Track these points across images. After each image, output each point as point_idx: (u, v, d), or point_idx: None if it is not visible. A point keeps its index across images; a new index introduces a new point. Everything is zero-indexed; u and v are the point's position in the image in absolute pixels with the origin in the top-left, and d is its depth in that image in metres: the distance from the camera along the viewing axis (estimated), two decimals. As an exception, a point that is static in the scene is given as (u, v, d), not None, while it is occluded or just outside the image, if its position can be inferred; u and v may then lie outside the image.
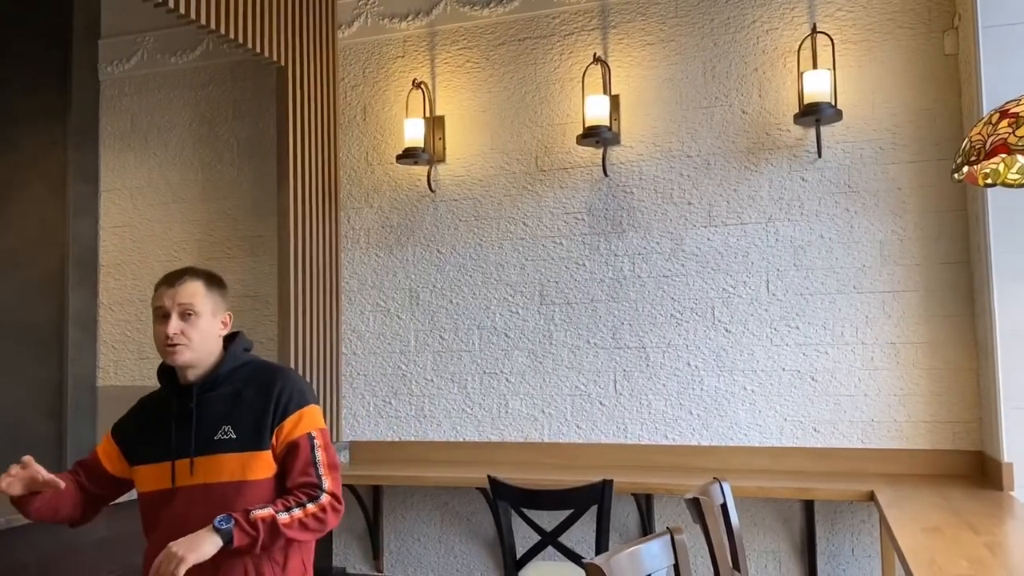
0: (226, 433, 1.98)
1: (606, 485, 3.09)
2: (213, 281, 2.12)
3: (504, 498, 3.25)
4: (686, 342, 3.84)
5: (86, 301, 4.79)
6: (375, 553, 4.21)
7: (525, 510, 3.24)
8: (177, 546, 1.81)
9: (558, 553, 3.28)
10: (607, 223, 3.98)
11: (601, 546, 3.13)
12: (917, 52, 3.59)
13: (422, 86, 4.24)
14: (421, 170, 4.26)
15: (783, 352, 3.70)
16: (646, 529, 3.76)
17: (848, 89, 3.65)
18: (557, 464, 3.92)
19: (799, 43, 3.68)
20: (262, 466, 1.99)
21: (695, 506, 2.59)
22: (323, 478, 2.00)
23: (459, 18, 4.25)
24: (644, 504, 3.77)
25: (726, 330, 3.78)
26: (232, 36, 3.69)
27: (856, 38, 3.67)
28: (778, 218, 3.73)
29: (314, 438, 2.02)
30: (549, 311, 4.05)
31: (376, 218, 4.36)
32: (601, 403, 3.95)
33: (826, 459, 3.60)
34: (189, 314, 2.02)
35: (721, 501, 2.90)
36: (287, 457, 2.01)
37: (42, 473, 1.96)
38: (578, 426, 3.97)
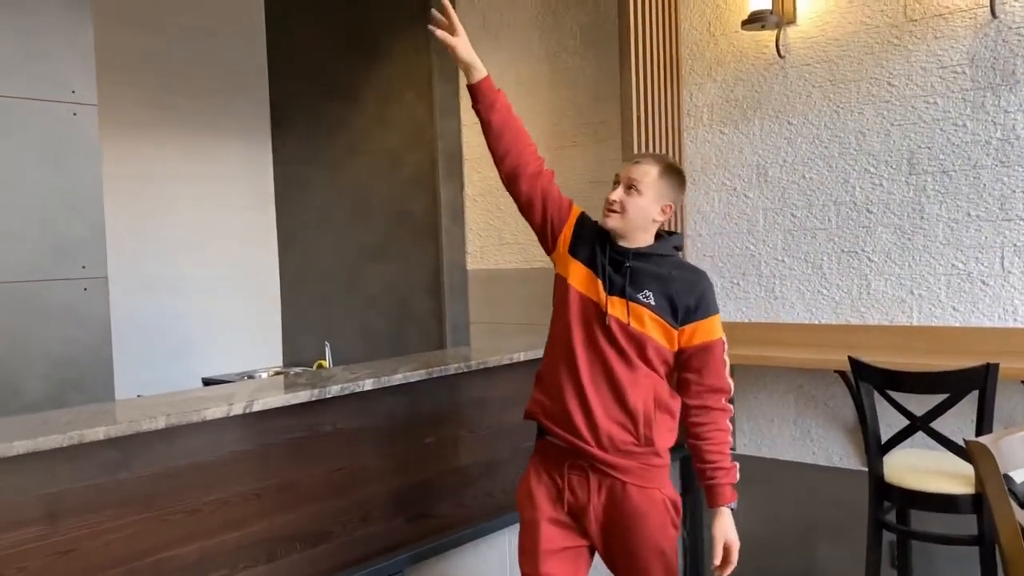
0: (647, 297, 2.26)
1: (990, 368, 2.75)
2: (668, 171, 2.32)
3: (867, 380, 3.04)
4: (1100, 210, 3.21)
5: (454, 193, 5.27)
6: (726, 432, 4.22)
7: (891, 393, 3.01)
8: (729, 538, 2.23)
9: (928, 442, 3.02)
10: (995, 74, 3.40)
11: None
12: None
13: (769, -58, 3.90)
14: (769, 35, 3.97)
15: None
16: (1039, 423, 3.31)
17: None
18: (928, 349, 3.56)
19: None
20: (668, 337, 2.27)
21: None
22: (730, 380, 2.31)
23: None
24: (1037, 396, 3.30)
25: None
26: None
27: None
28: None
29: (724, 344, 2.31)
30: (920, 181, 3.62)
31: (719, 92, 4.18)
32: (984, 283, 3.48)
33: None
34: (632, 188, 2.28)
35: None
36: (700, 354, 2.27)
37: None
38: (954, 308, 3.56)
